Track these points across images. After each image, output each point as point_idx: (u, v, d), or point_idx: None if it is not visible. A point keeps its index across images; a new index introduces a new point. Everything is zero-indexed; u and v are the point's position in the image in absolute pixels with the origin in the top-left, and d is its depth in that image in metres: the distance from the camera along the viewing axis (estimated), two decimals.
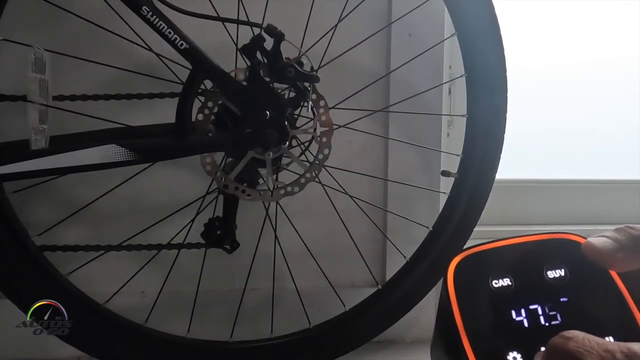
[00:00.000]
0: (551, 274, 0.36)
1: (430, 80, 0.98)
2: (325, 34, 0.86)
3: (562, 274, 0.36)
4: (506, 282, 0.36)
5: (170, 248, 0.84)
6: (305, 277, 0.94)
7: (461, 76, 0.86)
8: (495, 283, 0.36)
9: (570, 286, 0.35)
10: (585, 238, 0.36)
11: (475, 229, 0.89)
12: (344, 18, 0.86)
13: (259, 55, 0.75)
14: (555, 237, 0.38)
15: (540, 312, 0.35)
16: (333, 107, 0.82)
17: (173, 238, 0.85)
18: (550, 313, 0.34)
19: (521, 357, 0.33)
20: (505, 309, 0.35)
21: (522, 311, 0.35)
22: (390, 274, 0.96)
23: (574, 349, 0.28)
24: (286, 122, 0.77)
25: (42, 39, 0.76)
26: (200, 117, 0.76)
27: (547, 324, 0.34)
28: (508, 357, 0.33)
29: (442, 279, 0.37)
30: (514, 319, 0.34)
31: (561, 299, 0.35)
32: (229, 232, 0.81)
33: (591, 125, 1.24)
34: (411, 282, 0.91)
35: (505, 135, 0.86)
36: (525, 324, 0.34)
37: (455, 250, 0.90)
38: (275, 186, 0.80)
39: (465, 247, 0.38)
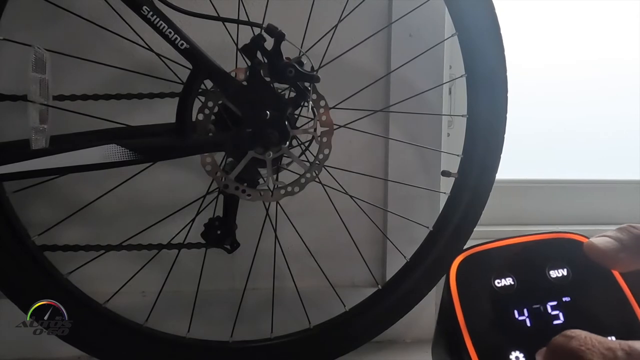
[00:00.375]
0: (553, 273, 0.36)
1: (430, 81, 0.98)
2: (325, 34, 0.86)
3: (565, 273, 0.36)
4: (508, 281, 0.36)
5: (170, 248, 0.84)
6: (306, 277, 0.94)
7: (461, 76, 0.86)
8: (498, 282, 0.36)
9: (573, 286, 0.35)
10: (587, 238, 0.36)
11: (475, 229, 0.89)
12: (344, 18, 0.86)
13: (259, 55, 0.75)
14: (558, 236, 0.38)
15: (542, 311, 0.34)
16: (333, 107, 0.82)
17: (173, 238, 0.85)
18: (553, 313, 0.34)
19: (524, 357, 0.33)
20: (507, 308, 0.35)
21: (525, 311, 0.34)
22: (390, 274, 0.96)
23: (576, 347, 0.28)
24: (286, 122, 0.77)
25: (42, 39, 0.76)
26: (200, 117, 0.76)
27: (549, 324, 0.34)
28: (510, 357, 0.33)
29: (444, 278, 0.37)
30: (517, 319, 0.34)
31: (564, 299, 0.35)
32: (229, 232, 0.81)
33: (592, 125, 1.24)
34: (411, 282, 0.91)
35: (505, 135, 0.86)
36: (528, 323, 0.34)
37: (455, 250, 0.91)
38: (276, 186, 0.80)
39: (466, 247, 0.38)
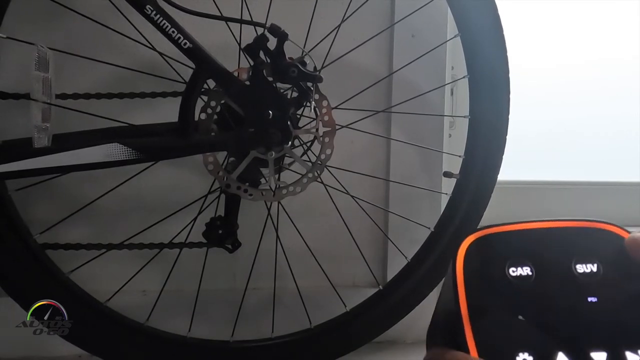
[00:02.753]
0: (581, 268, 0.30)
1: (432, 81, 0.98)
2: (328, 34, 0.86)
3: (594, 269, 0.30)
4: (526, 271, 0.30)
5: (171, 247, 0.84)
6: (307, 277, 0.94)
7: (464, 77, 0.86)
8: (513, 271, 0.30)
9: (602, 285, 0.30)
10: (628, 231, 0.31)
11: None
12: (347, 18, 0.86)
13: (262, 54, 0.75)
14: (590, 225, 0.32)
15: (562, 310, 0.29)
16: (336, 107, 0.82)
17: (175, 237, 0.85)
18: (574, 313, 0.29)
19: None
20: (521, 302, 0.29)
21: (541, 307, 0.29)
22: (391, 274, 0.96)
23: None
24: (289, 122, 0.77)
25: (45, 37, 0.75)
26: (203, 116, 0.76)
27: (567, 326, 0.29)
28: (517, 358, 0.28)
29: (450, 261, 0.31)
30: (530, 316, 0.29)
31: (589, 299, 0.29)
32: (231, 231, 0.81)
33: (592, 125, 1.24)
34: (412, 282, 0.91)
35: (507, 136, 0.86)
36: (543, 322, 0.29)
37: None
38: (278, 186, 0.80)
39: (480, 226, 0.32)
